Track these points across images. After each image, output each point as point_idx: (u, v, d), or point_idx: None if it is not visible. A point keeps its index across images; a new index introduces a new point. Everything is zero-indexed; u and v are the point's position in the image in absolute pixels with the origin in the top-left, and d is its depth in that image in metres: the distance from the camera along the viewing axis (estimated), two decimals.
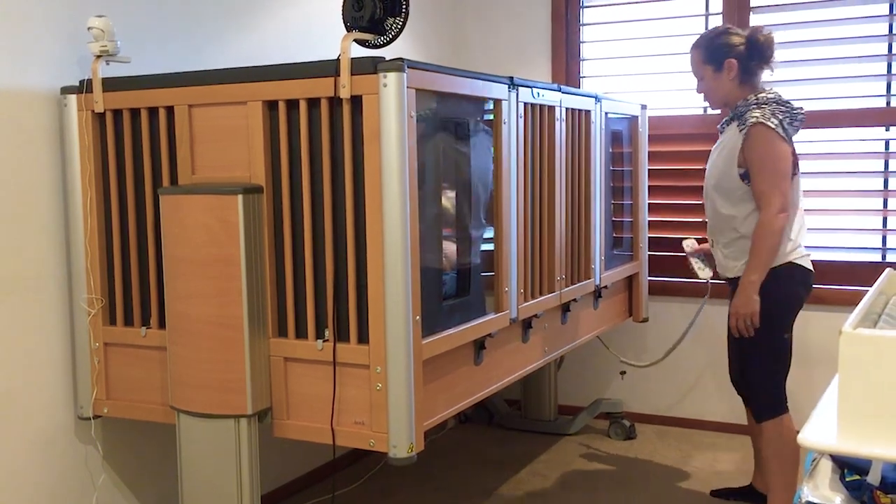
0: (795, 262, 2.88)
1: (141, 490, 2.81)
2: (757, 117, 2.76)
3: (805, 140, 3.86)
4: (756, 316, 2.81)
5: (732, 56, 2.84)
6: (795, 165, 2.84)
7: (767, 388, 2.91)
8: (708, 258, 3.33)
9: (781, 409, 2.89)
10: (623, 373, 4.19)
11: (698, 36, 2.97)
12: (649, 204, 3.98)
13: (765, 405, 2.91)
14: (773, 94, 2.85)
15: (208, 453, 2.30)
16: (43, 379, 2.52)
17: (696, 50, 2.93)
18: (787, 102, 2.83)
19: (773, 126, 2.74)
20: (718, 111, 3.97)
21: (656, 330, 4.15)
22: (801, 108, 2.86)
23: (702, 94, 2.99)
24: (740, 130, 2.80)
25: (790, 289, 2.88)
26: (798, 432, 3.05)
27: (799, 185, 2.91)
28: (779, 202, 2.74)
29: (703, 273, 3.37)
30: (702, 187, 3.05)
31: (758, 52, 2.84)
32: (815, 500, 1.84)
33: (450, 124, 2.54)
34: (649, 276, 3.99)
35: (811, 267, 2.95)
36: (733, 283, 2.92)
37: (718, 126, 3.03)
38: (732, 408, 4.05)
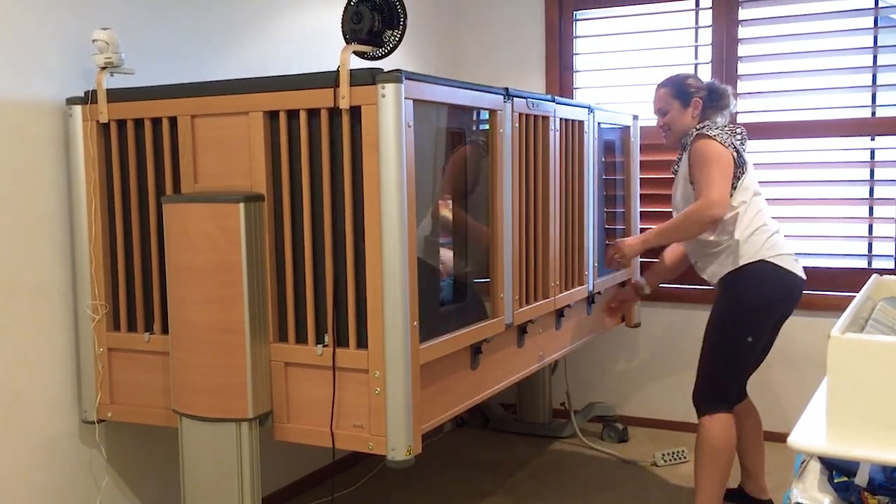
0: (769, 259, 2.86)
1: (144, 493, 2.80)
2: (698, 133, 2.90)
3: (793, 150, 3.87)
4: (621, 255, 3.04)
5: (698, 96, 3.01)
6: (740, 167, 2.87)
7: (709, 382, 2.89)
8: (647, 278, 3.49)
9: (718, 408, 2.85)
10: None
11: (664, 78, 3.10)
12: (641, 212, 3.99)
13: (702, 397, 2.89)
14: (705, 124, 2.97)
15: (210, 456, 2.30)
16: (48, 384, 2.51)
17: (665, 88, 3.06)
18: (722, 125, 2.96)
19: (711, 135, 2.86)
20: None
21: (648, 334, 4.15)
22: (742, 128, 2.99)
23: (661, 128, 3.10)
24: (686, 152, 2.95)
25: (757, 290, 2.86)
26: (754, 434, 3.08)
27: (753, 184, 2.92)
28: (715, 193, 2.76)
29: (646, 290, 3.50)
30: None
31: (716, 97, 3.03)
32: (805, 502, 1.83)
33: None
34: None
35: (795, 269, 2.91)
36: (721, 283, 2.94)
37: (672, 169, 3.12)
38: None
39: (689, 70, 4.02)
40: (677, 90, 3.04)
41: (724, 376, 2.89)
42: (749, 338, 2.85)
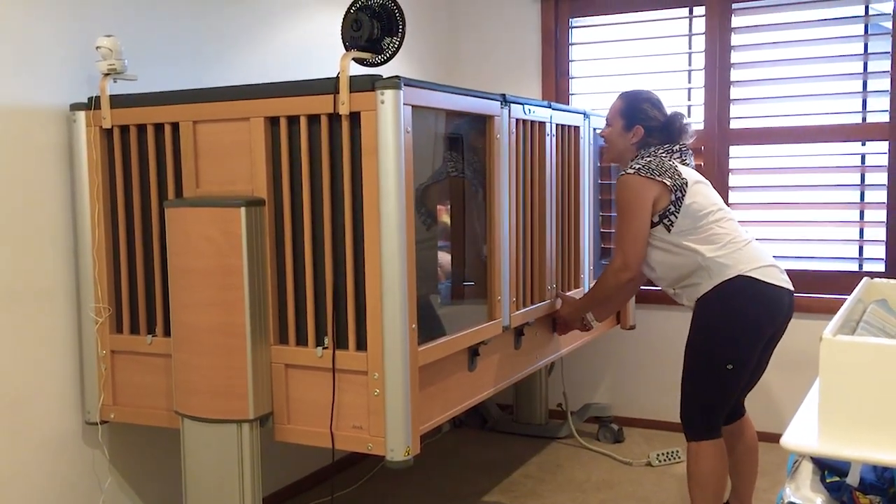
0: (747, 274, 2.62)
1: (146, 493, 2.79)
2: (622, 172, 2.73)
3: (785, 154, 3.87)
4: (560, 322, 3.10)
5: (645, 125, 2.81)
6: (677, 191, 2.66)
7: (691, 409, 2.71)
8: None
9: (703, 435, 2.67)
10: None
11: (631, 89, 2.94)
12: None
13: (687, 426, 2.72)
14: (641, 151, 2.79)
15: (212, 457, 2.29)
16: (52, 385, 2.51)
17: (621, 101, 2.89)
18: (657, 147, 2.77)
19: (632, 172, 2.68)
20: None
21: (643, 336, 4.15)
22: (675, 144, 2.79)
23: (602, 137, 2.96)
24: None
25: (736, 312, 2.63)
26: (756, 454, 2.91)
27: (707, 199, 2.70)
28: (620, 259, 2.68)
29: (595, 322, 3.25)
30: None
31: (667, 133, 2.82)
32: (797, 501, 1.84)
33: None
34: None
35: (777, 281, 2.65)
36: (697, 304, 2.72)
37: None
38: None
39: (683, 78, 4.03)
40: (627, 110, 2.84)
41: (706, 405, 2.68)
42: (729, 365, 2.61)
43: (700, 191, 2.71)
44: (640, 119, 2.82)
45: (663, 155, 2.75)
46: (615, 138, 2.87)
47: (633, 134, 2.82)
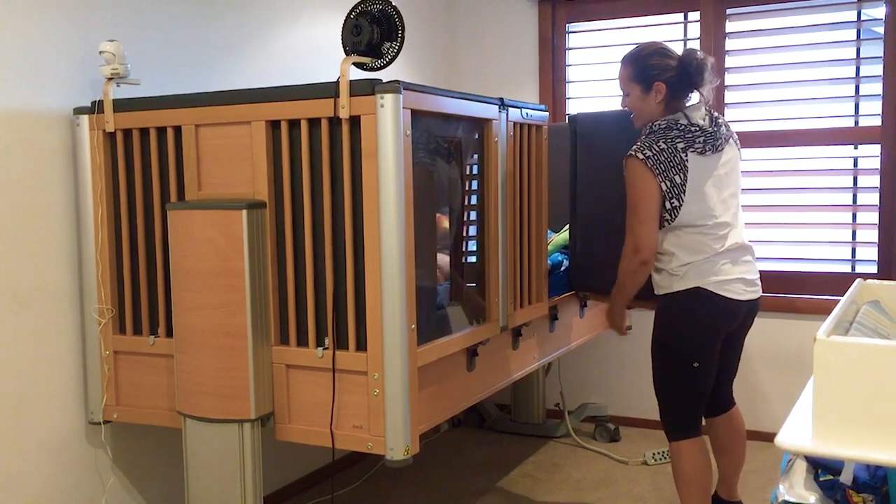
0: (705, 287, 2.55)
1: (148, 492, 2.79)
2: (632, 150, 2.53)
3: (780, 157, 3.88)
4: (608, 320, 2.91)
5: (662, 80, 2.57)
6: (675, 198, 2.51)
7: (667, 411, 2.70)
8: None
9: (682, 435, 2.66)
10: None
11: (630, 50, 2.67)
12: None
13: (666, 426, 2.71)
14: (666, 122, 2.56)
15: (213, 456, 2.29)
16: (55, 385, 2.51)
17: (625, 67, 2.63)
18: (682, 128, 2.54)
19: (640, 158, 2.49)
20: None
21: (639, 337, 4.14)
22: (701, 132, 2.54)
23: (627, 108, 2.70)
24: None
25: (690, 318, 2.59)
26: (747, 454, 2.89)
27: (712, 202, 2.55)
28: (631, 243, 2.53)
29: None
30: None
31: (688, 77, 2.57)
32: (791, 499, 1.84)
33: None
34: None
35: (735, 294, 2.58)
36: (659, 302, 2.67)
37: None
38: None
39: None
40: (638, 73, 2.59)
41: (678, 404, 2.68)
42: (695, 363, 2.60)
43: (701, 197, 2.54)
44: (655, 75, 2.57)
45: (679, 143, 2.51)
46: (638, 104, 2.63)
47: (656, 92, 2.57)
